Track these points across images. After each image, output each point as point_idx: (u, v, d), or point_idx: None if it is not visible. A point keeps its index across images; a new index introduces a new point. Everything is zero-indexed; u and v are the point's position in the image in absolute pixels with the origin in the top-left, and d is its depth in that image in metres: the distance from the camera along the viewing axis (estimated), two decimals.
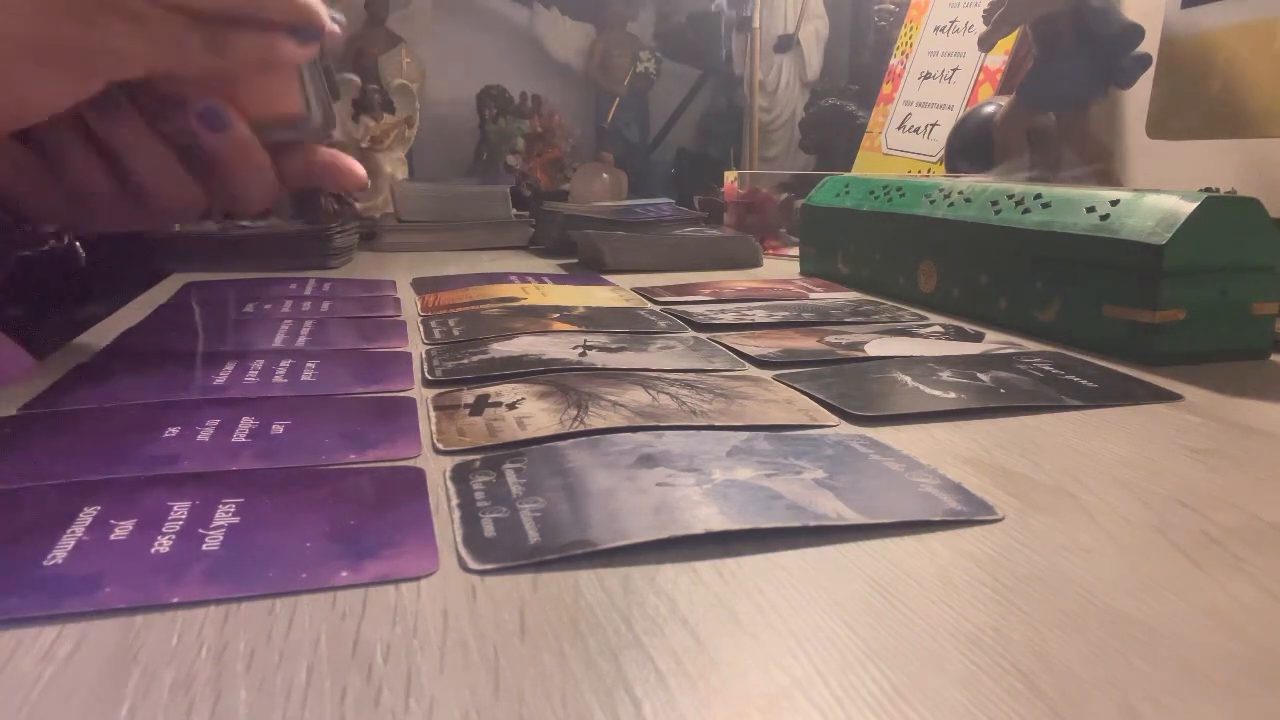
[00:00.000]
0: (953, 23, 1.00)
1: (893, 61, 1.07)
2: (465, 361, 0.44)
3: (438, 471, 0.30)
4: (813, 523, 0.26)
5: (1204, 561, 0.24)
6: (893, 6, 1.14)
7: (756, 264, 0.83)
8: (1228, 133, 0.67)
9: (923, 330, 0.52)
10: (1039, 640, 0.20)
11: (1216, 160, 0.68)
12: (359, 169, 0.45)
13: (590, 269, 0.79)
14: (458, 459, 0.31)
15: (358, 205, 1.00)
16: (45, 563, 0.23)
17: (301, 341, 0.49)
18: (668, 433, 0.33)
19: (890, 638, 0.20)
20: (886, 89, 1.07)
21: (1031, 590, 0.22)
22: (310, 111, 0.41)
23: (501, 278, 0.71)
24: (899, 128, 1.03)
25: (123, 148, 0.40)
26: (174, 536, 0.24)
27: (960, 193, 0.59)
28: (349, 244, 0.85)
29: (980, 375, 0.42)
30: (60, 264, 0.49)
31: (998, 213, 0.55)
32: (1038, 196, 0.53)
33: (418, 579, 0.23)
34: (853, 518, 0.26)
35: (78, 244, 0.50)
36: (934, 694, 0.18)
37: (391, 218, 0.98)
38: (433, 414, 0.36)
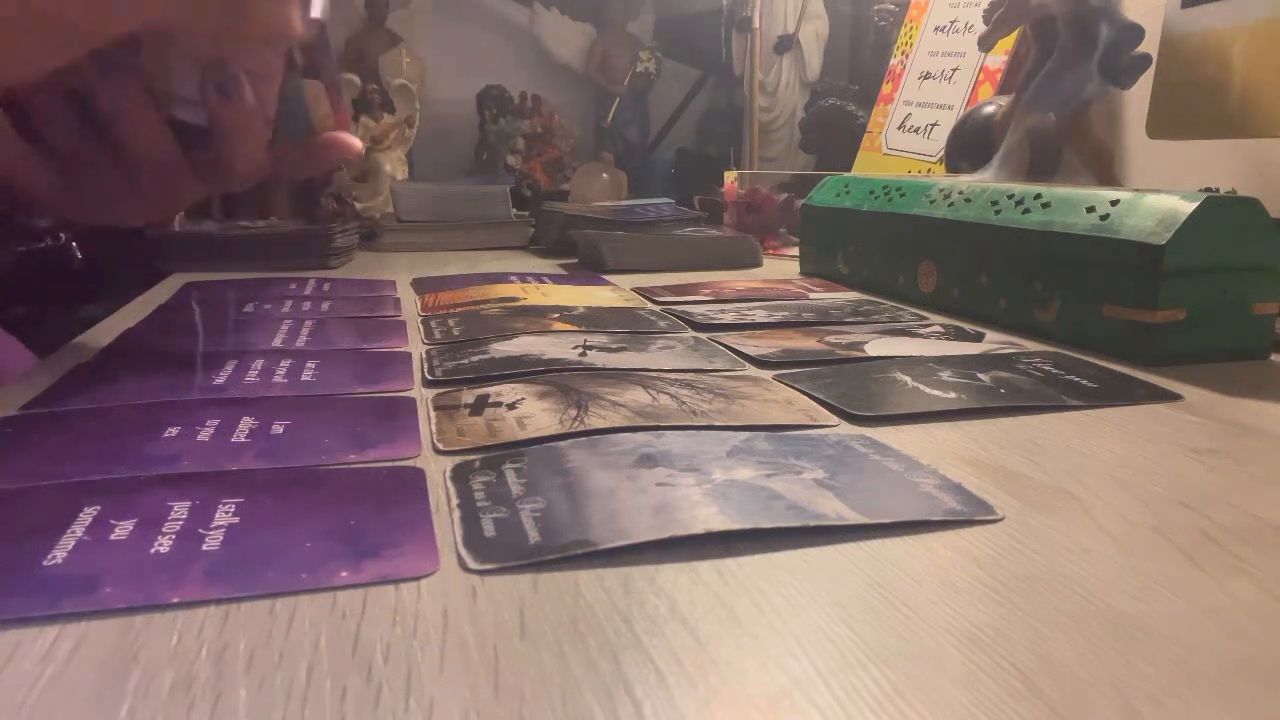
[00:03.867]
0: (953, 23, 1.00)
1: (893, 61, 1.07)
2: (465, 361, 0.44)
3: (438, 471, 0.30)
4: (813, 523, 0.26)
5: (1204, 561, 0.24)
6: (893, 6, 1.14)
7: (756, 264, 0.83)
8: (1228, 133, 0.67)
9: (923, 330, 0.52)
10: (1039, 640, 0.20)
11: (1216, 160, 0.68)
12: (352, 139, 0.45)
13: (590, 269, 0.79)
14: (458, 459, 0.31)
15: (358, 205, 1.00)
16: (45, 563, 0.23)
17: (301, 341, 0.49)
18: (668, 433, 0.33)
19: (890, 638, 0.20)
20: (886, 89, 1.07)
21: (1031, 590, 0.22)
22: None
23: (501, 278, 0.71)
24: (899, 128, 1.03)
25: (116, 111, 0.38)
26: (174, 536, 0.24)
27: (960, 193, 0.59)
28: (349, 244, 0.85)
29: (980, 375, 0.42)
30: (56, 262, 0.49)
31: (998, 213, 0.55)
32: (1038, 196, 0.53)
33: (418, 579, 0.23)
34: (853, 518, 0.26)
35: (73, 243, 0.50)
36: (934, 694, 0.18)
37: (391, 218, 0.98)
38: (433, 414, 0.36)
